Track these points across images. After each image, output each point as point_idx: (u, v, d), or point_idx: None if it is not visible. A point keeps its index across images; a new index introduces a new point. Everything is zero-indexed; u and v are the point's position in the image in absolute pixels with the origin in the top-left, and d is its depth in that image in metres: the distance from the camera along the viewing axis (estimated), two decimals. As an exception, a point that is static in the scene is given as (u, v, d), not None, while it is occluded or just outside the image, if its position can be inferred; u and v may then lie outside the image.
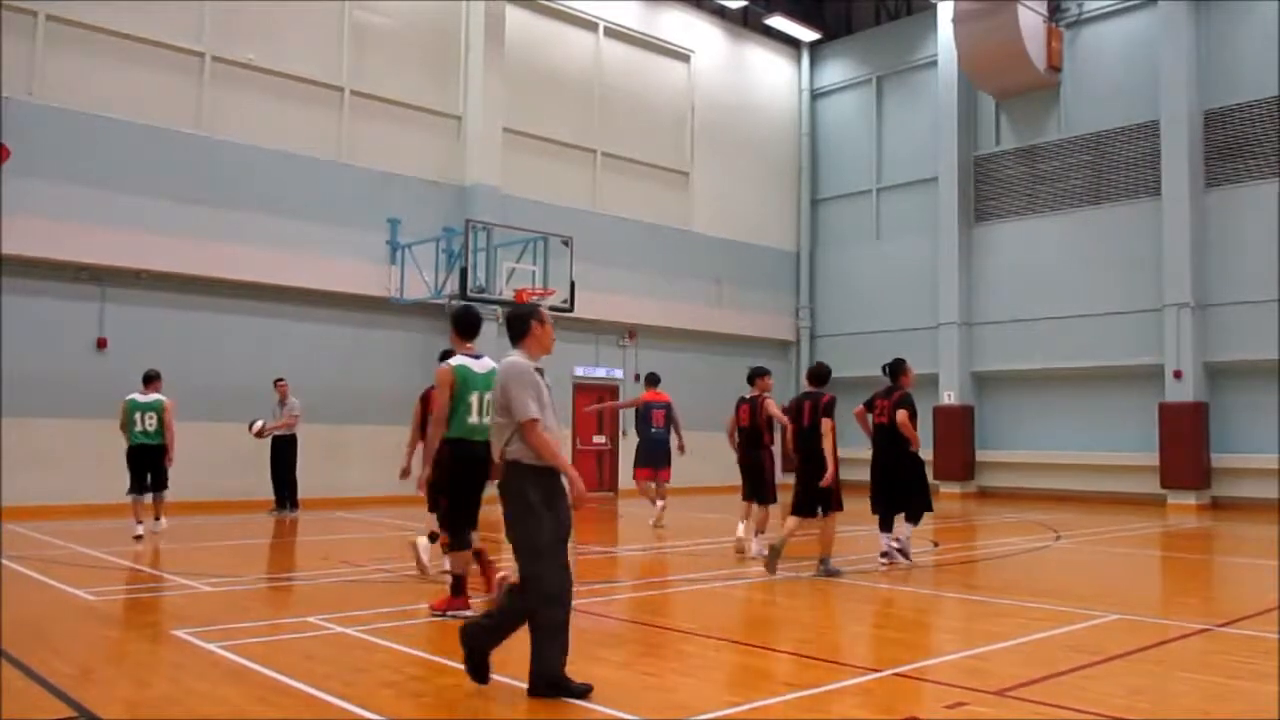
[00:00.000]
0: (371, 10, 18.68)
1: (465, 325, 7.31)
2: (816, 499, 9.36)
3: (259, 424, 14.64)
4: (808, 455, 9.41)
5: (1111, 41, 21.28)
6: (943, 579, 9.60)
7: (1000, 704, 4.95)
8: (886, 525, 10.14)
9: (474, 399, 7.16)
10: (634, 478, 14.71)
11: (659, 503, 13.82)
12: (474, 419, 7.17)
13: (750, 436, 11.15)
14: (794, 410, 9.68)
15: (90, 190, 15.10)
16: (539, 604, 4.92)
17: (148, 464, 12.27)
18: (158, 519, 12.40)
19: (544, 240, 17.62)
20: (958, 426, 22.41)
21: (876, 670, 5.71)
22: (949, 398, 22.66)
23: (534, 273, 17.51)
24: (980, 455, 22.46)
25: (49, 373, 14.72)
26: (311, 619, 7.06)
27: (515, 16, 20.43)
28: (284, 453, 15.42)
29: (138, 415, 12.26)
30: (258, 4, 17.18)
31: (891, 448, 10.01)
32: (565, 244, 17.77)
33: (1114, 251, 20.68)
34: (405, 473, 8.71)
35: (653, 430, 14.28)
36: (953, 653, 6.30)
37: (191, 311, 16.27)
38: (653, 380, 14.87)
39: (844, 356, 25.00)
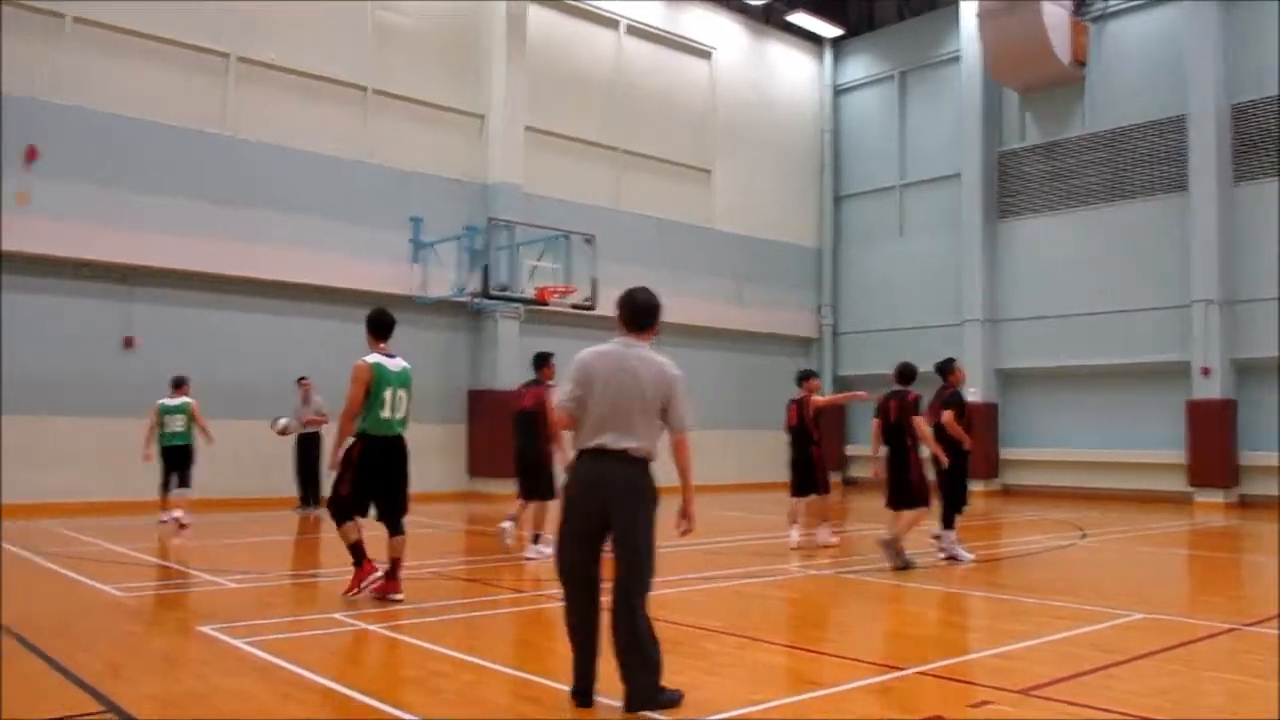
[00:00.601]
0: (394, 10, 18.76)
1: (380, 327, 7.80)
2: (903, 494, 9.69)
3: (282, 422, 14.68)
4: (895, 451, 9.77)
5: (1137, 35, 21.07)
6: (966, 577, 9.55)
7: (1025, 703, 4.92)
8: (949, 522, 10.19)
9: (388, 395, 7.53)
10: None
11: None
12: (386, 414, 7.54)
13: (799, 435, 11.63)
14: (881, 408, 9.95)
15: (116, 190, 15.25)
16: (645, 597, 4.71)
17: (176, 463, 13.20)
18: (179, 513, 13.08)
19: (566, 238, 17.64)
20: (981, 424, 22.22)
21: (899, 668, 5.68)
22: (972, 395, 22.48)
23: (556, 270, 17.55)
24: (1004, 453, 22.32)
25: (77, 372, 14.88)
26: (335, 615, 7.11)
27: (537, 15, 20.46)
28: (309, 450, 15.54)
29: (167, 418, 13.18)
30: (280, 4, 17.30)
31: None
32: (587, 242, 17.79)
33: (1139, 247, 20.49)
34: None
35: None
36: (977, 651, 6.27)
37: (217, 310, 16.41)
38: None
39: (867, 354, 24.99)
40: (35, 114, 14.64)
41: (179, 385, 13.43)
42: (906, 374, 10.06)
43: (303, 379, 15.74)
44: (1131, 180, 20.91)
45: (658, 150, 22.65)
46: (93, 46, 15.52)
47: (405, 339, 17.94)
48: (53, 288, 14.95)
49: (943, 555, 10.19)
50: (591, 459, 4.71)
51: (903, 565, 9.46)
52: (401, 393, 7.64)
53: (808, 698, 5.06)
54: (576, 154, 21.33)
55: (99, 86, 15.44)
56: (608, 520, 4.66)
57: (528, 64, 20.00)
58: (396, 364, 7.69)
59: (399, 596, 7.58)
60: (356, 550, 7.69)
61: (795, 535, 11.35)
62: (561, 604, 4.81)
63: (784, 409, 11.98)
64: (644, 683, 4.61)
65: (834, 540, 11.47)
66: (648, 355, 4.80)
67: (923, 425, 9.69)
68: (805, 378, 12.00)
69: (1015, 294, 22.49)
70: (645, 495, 4.72)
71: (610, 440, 4.67)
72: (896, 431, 9.77)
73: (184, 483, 13.20)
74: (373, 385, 7.48)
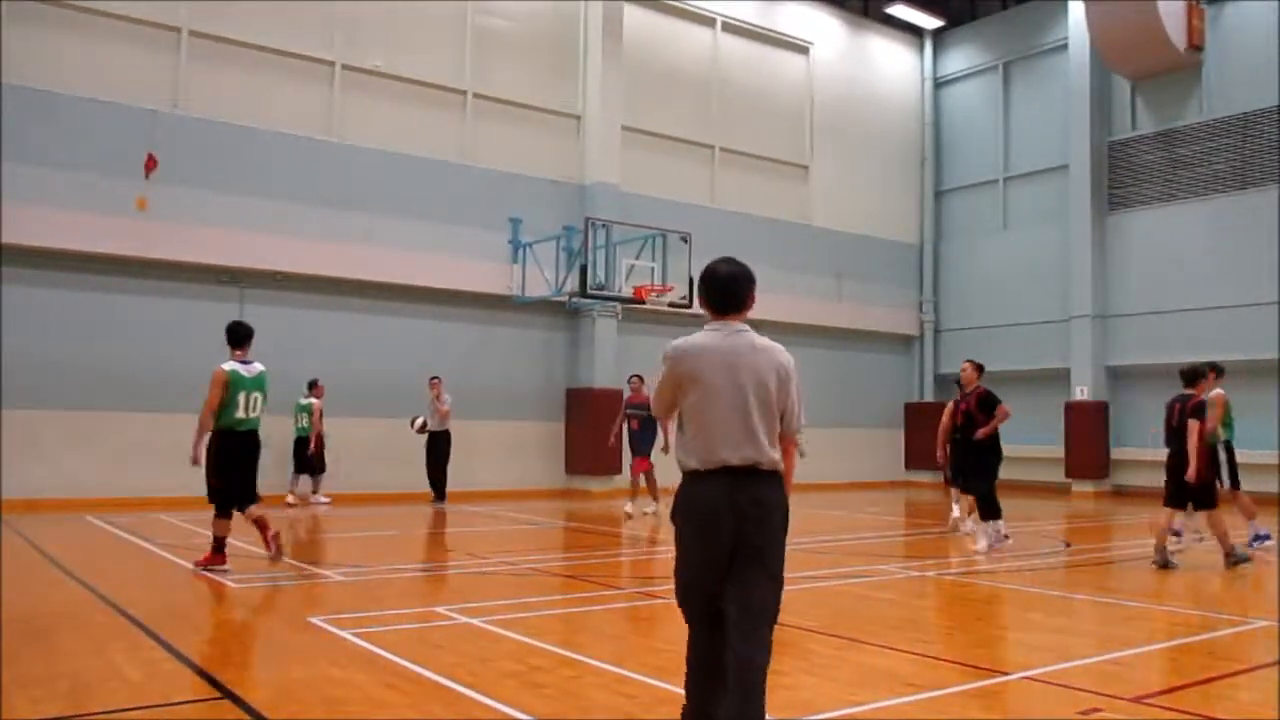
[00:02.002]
0: (492, 13, 19.05)
1: (236, 337, 8.93)
2: (1187, 494, 9.95)
3: (420, 420, 15.55)
4: (1175, 452, 10.04)
5: (1257, 19, 20.12)
6: (1074, 580, 9.27)
7: (1137, 711, 4.75)
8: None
9: (242, 398, 8.68)
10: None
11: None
12: (240, 414, 8.69)
13: (964, 431, 11.71)
14: (1167, 410, 10.31)
15: (229, 196, 15.82)
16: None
17: (299, 452, 15.87)
18: (315, 492, 16.04)
19: (662, 237, 17.67)
20: (1091, 423, 21.61)
21: (1004, 673, 5.55)
22: (1082, 393, 21.85)
23: (653, 269, 17.59)
24: (1115, 453, 21.59)
25: (191, 371, 15.39)
26: (438, 609, 7.25)
27: (633, 15, 20.54)
28: (438, 447, 16.26)
29: (299, 414, 15.79)
30: (383, 13, 17.72)
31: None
32: (684, 240, 17.77)
33: (1263, 237, 19.56)
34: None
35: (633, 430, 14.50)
36: (1085, 657, 6.07)
37: (323, 310, 16.91)
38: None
39: (969, 351, 24.24)
40: (153, 124, 15.28)
41: (313, 386, 15.83)
42: (1190, 376, 10.36)
43: (434, 378, 16.41)
44: (1254, 168, 20.01)
45: (754, 147, 22.52)
46: (206, 59, 16.13)
47: (504, 338, 18.56)
48: (169, 290, 15.58)
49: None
50: (713, 480, 3.78)
51: (1239, 559, 9.88)
52: (256, 395, 8.79)
53: (908, 700, 4.97)
54: (672, 152, 21.34)
55: (212, 97, 16.05)
56: (738, 549, 3.74)
57: (623, 64, 20.09)
58: (252, 370, 8.82)
59: (272, 553, 8.87)
60: (220, 542, 8.83)
61: (956, 510, 12.96)
62: (690, 645, 3.95)
63: (901, 409, 12.40)
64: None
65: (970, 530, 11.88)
66: (760, 342, 3.96)
67: (1193, 435, 9.82)
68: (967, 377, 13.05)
69: (1127, 288, 21.72)
70: (786, 515, 3.90)
71: (734, 455, 3.78)
72: (1179, 433, 10.03)
73: (304, 468, 15.81)
74: (230, 390, 8.62)
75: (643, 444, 14.25)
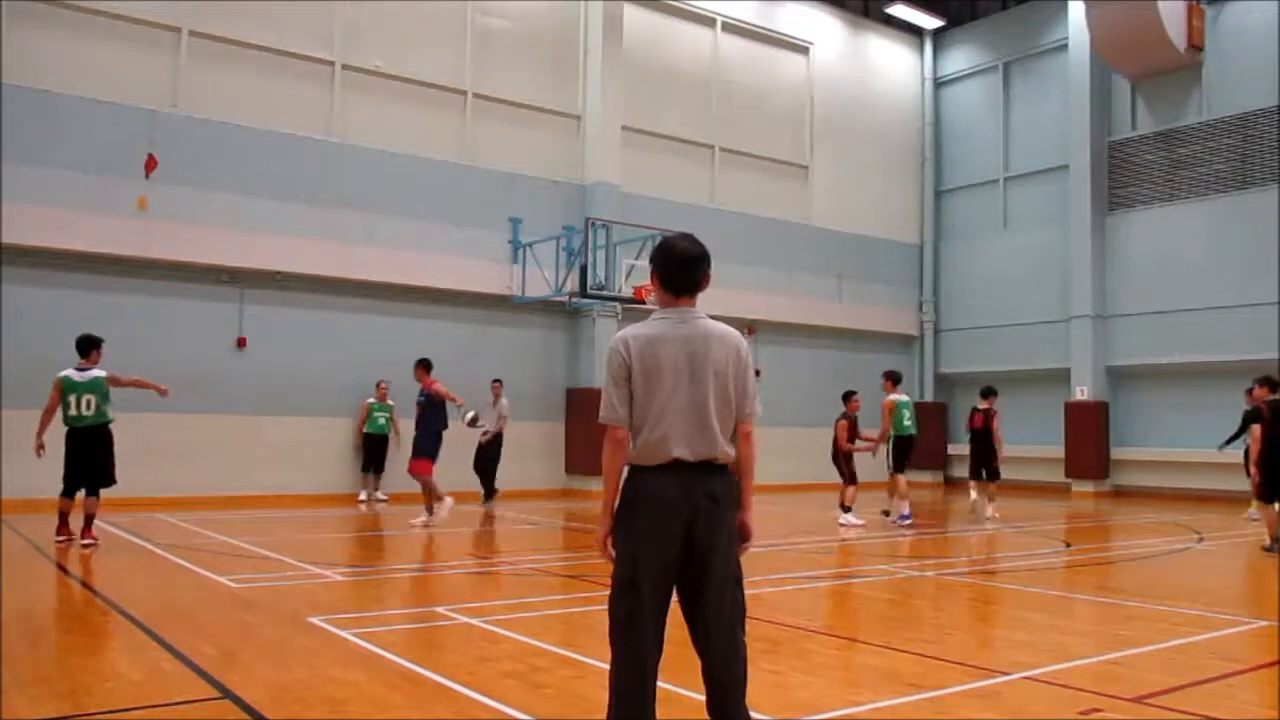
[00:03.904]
0: (492, 13, 19.05)
1: (79, 346, 10.50)
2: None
3: (472, 414, 15.34)
4: (1272, 447, 10.95)
5: (1258, 19, 20.12)
6: (1074, 580, 9.27)
7: (1138, 711, 4.75)
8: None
9: (73, 399, 10.26)
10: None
11: None
12: (74, 412, 10.27)
13: (981, 436, 15.46)
14: (1265, 413, 11.10)
15: (229, 196, 15.81)
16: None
17: (374, 451, 16.45)
18: (377, 489, 16.45)
19: (663, 237, 17.65)
20: (1091, 423, 21.61)
21: (1005, 673, 5.54)
22: (1081, 393, 21.86)
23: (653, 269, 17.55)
24: (1115, 453, 21.60)
25: (194, 371, 15.45)
26: (439, 609, 7.25)
27: (633, 15, 20.54)
28: (493, 450, 16.60)
29: (376, 414, 16.35)
30: (383, 13, 17.72)
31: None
32: (684, 240, 17.75)
33: (1263, 238, 19.56)
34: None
35: None
36: (1085, 657, 6.07)
37: (323, 310, 16.89)
38: None
39: (969, 351, 24.48)
40: (153, 124, 15.28)
41: (379, 386, 16.45)
42: (1275, 382, 11.45)
43: (497, 381, 16.82)
44: (1254, 168, 20.01)
45: (754, 147, 22.52)
46: (206, 58, 16.12)
47: (504, 338, 18.57)
48: (170, 290, 15.56)
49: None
50: (665, 475, 3.53)
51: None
52: (88, 396, 10.27)
53: (908, 700, 4.97)
54: (672, 152, 21.34)
55: (212, 96, 16.04)
56: (691, 549, 3.53)
57: (624, 64, 20.09)
58: (85, 375, 10.34)
59: (87, 543, 10.10)
60: (62, 516, 10.45)
61: (974, 494, 15.57)
62: (613, 662, 3.65)
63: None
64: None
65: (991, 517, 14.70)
66: (715, 328, 3.65)
67: (1254, 438, 11.10)
68: (987, 395, 15.81)
69: (1127, 288, 21.72)
70: (733, 511, 3.66)
71: (687, 450, 3.53)
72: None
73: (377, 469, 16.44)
74: (64, 392, 10.24)
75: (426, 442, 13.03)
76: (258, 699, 4.81)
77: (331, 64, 17.22)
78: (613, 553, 3.65)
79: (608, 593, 3.63)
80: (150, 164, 15.13)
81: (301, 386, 16.29)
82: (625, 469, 3.61)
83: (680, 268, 3.66)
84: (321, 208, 16.62)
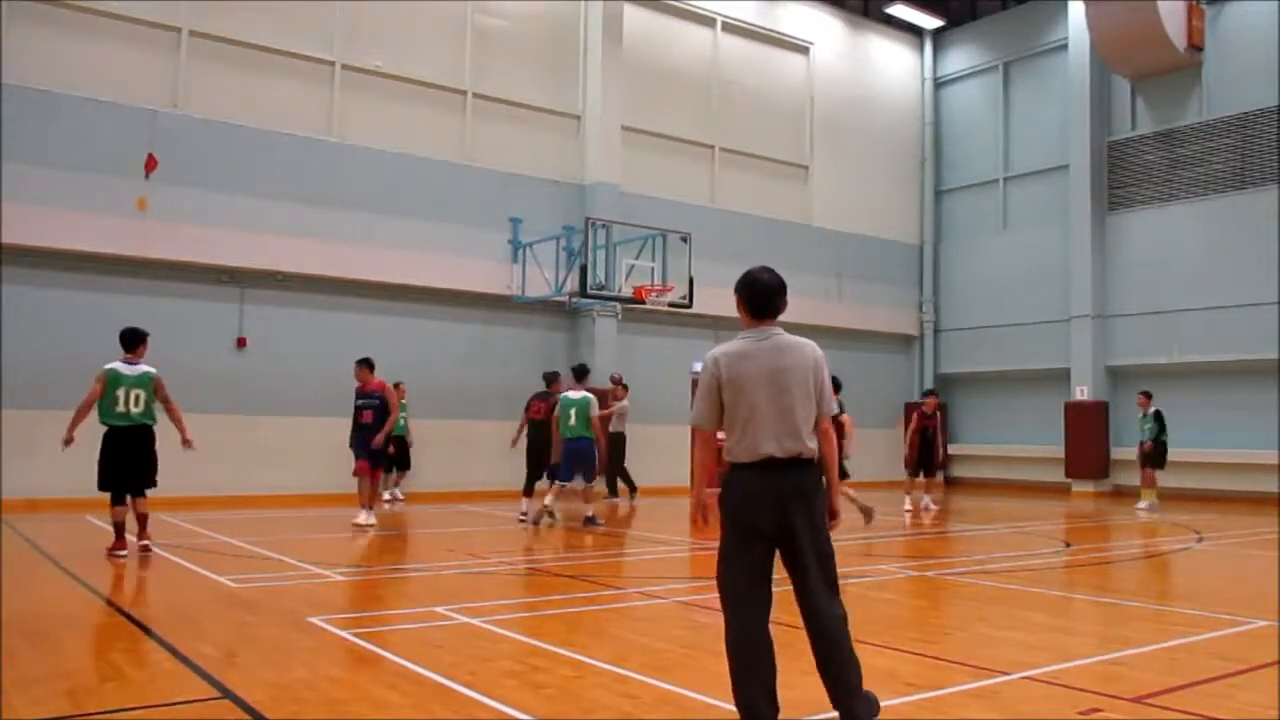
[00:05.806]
0: (492, 13, 19.05)
1: (124, 341, 9.83)
2: None
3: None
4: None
5: (1258, 19, 20.14)
6: (1074, 580, 9.27)
7: (1138, 711, 4.75)
8: None
9: (121, 393, 9.53)
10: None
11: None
12: (121, 409, 9.54)
13: (924, 434, 16.57)
14: None
15: (229, 196, 15.83)
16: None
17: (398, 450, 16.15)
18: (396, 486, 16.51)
19: (663, 237, 17.67)
20: (1091, 423, 21.61)
21: (1005, 673, 5.54)
22: (1081, 393, 21.86)
23: (653, 269, 17.59)
24: (1115, 453, 21.60)
25: (194, 371, 15.45)
26: (438, 609, 7.25)
27: (633, 15, 20.55)
28: (616, 448, 17.26)
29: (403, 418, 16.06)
30: (383, 13, 17.73)
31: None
32: (684, 240, 17.78)
33: (1263, 238, 19.58)
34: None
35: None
36: (1085, 657, 6.07)
37: (324, 311, 16.89)
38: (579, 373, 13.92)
39: (969, 351, 24.48)
40: (153, 124, 15.28)
41: (396, 386, 15.64)
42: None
43: (616, 376, 17.68)
44: (1254, 168, 20.02)
45: (754, 147, 22.53)
46: (206, 58, 16.12)
47: (504, 338, 18.55)
48: (172, 290, 15.57)
49: None
50: (759, 469, 4.18)
51: None
52: (137, 391, 9.59)
53: (907, 700, 4.97)
54: (672, 152, 21.35)
55: (212, 96, 16.05)
56: (784, 529, 4.17)
57: (623, 64, 20.10)
58: (135, 369, 9.68)
59: (145, 543, 9.70)
60: (119, 528, 9.60)
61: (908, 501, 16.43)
62: (732, 629, 4.30)
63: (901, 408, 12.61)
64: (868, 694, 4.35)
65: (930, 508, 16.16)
66: (793, 340, 4.44)
67: None
68: (928, 395, 17.30)
69: (1127, 288, 21.73)
70: (822, 496, 4.31)
71: (777, 448, 4.18)
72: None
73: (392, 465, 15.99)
74: (107, 386, 9.46)
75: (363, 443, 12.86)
76: (258, 699, 4.81)
77: (331, 64, 17.22)
78: (707, 519, 4.46)
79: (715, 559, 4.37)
80: (150, 164, 15.13)
81: (302, 386, 16.29)
82: (722, 466, 4.35)
83: (763, 296, 4.53)
84: (321, 208, 16.62)
